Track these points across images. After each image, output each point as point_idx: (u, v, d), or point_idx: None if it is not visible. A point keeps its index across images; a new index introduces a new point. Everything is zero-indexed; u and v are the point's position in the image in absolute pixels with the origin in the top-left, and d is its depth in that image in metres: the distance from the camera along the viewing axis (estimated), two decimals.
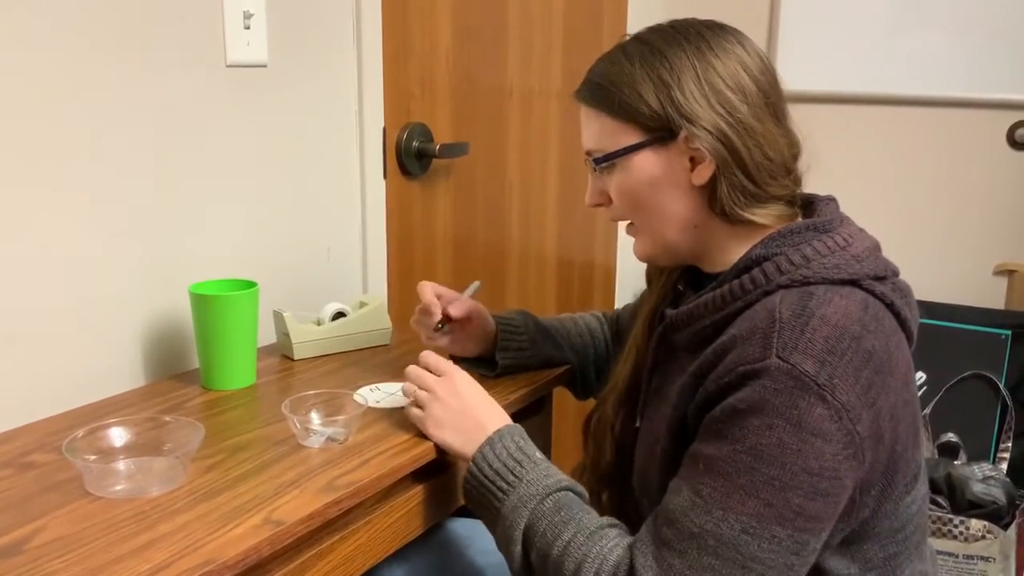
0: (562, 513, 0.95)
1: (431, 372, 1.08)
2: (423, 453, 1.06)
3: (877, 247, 0.98)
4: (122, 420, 1.02)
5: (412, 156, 1.70)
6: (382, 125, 1.63)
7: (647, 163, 0.98)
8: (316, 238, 1.56)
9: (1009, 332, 2.26)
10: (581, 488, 1.00)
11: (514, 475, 0.98)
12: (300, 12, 1.45)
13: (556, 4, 2.11)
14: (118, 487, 0.94)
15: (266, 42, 1.39)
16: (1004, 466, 2.19)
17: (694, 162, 0.96)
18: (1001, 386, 2.24)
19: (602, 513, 1.14)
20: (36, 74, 1.10)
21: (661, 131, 0.96)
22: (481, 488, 1.00)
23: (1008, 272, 2.41)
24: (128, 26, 1.20)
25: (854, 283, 0.91)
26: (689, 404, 0.94)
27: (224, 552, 0.82)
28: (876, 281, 0.92)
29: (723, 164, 0.94)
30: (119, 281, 1.23)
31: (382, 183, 1.66)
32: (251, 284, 1.25)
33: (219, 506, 0.90)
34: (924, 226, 2.44)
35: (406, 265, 1.75)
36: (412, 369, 1.10)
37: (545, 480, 0.98)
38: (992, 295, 2.41)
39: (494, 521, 0.99)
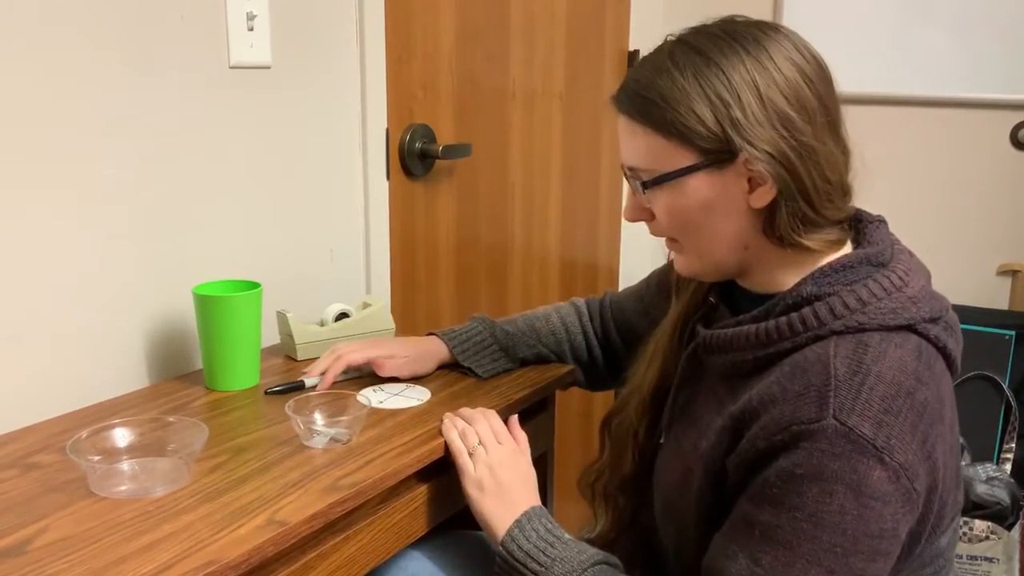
0: None
1: (494, 432, 1.08)
2: (426, 454, 1.06)
3: (929, 278, 0.94)
4: (126, 421, 1.02)
5: (415, 157, 1.70)
6: (385, 126, 1.63)
7: (702, 186, 0.91)
8: (319, 239, 1.56)
9: (1013, 333, 2.26)
10: (615, 559, 0.99)
11: (546, 555, 0.97)
12: (303, 13, 1.45)
13: (558, 6, 2.11)
14: (122, 487, 0.94)
15: (269, 43, 1.39)
16: (1008, 467, 2.18)
17: (752, 184, 0.90)
18: (1005, 387, 2.23)
19: (618, 518, 1.13)
20: (38, 76, 1.10)
21: (718, 153, 0.89)
22: (513, 570, 0.99)
23: (1012, 272, 2.41)
24: (131, 28, 1.20)
25: (909, 328, 0.87)
26: (730, 452, 0.90)
27: (228, 552, 0.82)
28: (930, 324, 0.89)
29: (784, 189, 0.88)
30: (122, 282, 1.23)
31: (385, 184, 1.66)
32: (254, 285, 1.25)
33: (223, 506, 0.90)
34: (927, 226, 2.44)
35: (409, 266, 1.75)
36: (480, 422, 1.09)
37: (579, 557, 0.97)
38: (995, 295, 2.41)
39: None
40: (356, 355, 1.23)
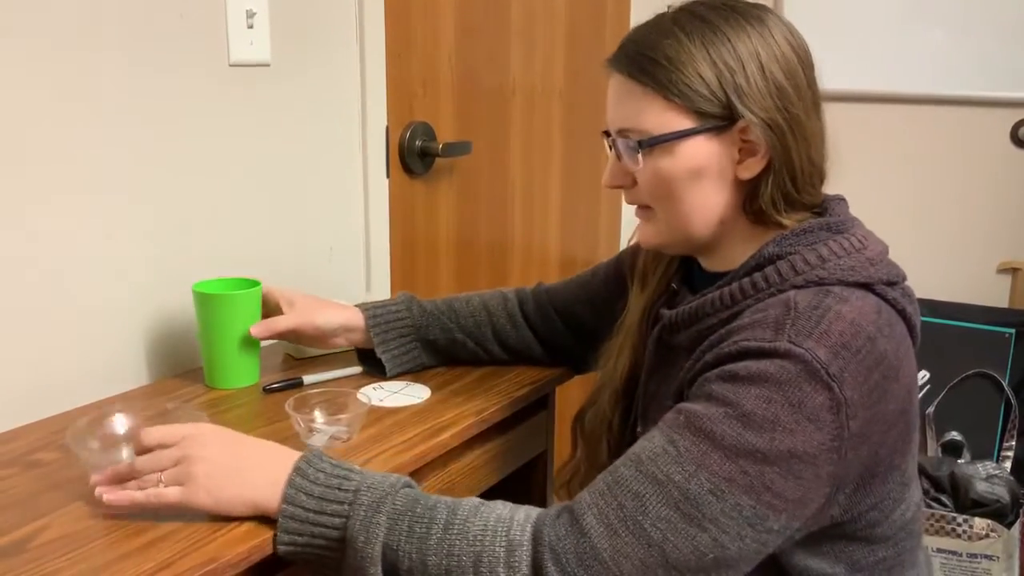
0: (420, 502, 0.84)
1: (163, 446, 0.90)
2: (426, 451, 1.06)
3: (887, 251, 0.95)
4: (126, 407, 1.02)
5: (415, 155, 1.70)
6: (385, 124, 1.63)
7: (697, 150, 0.91)
8: (319, 237, 1.56)
9: (1013, 330, 2.26)
10: (415, 484, 0.90)
11: (344, 490, 0.85)
12: (303, 11, 1.45)
13: (558, 3, 2.11)
14: None
15: (269, 41, 1.39)
16: (1008, 464, 2.19)
17: (743, 154, 0.92)
18: (1005, 384, 2.23)
19: None
20: (38, 75, 1.10)
21: (718, 118, 0.90)
22: (308, 525, 0.84)
23: (1012, 270, 2.41)
24: (130, 26, 1.20)
25: (867, 287, 0.89)
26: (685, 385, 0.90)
27: (228, 550, 0.82)
28: (888, 287, 0.90)
29: (776, 160, 0.91)
30: (123, 280, 1.24)
31: (385, 182, 1.66)
32: (254, 283, 1.25)
33: None
34: (927, 224, 2.44)
35: (409, 264, 1.75)
36: (141, 461, 0.88)
37: (386, 479, 0.86)
38: (996, 293, 2.41)
39: (338, 555, 0.84)
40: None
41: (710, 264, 1.00)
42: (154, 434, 0.90)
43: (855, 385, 0.81)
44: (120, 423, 0.98)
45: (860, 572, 0.93)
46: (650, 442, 0.84)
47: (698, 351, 0.91)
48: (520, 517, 0.83)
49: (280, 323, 1.22)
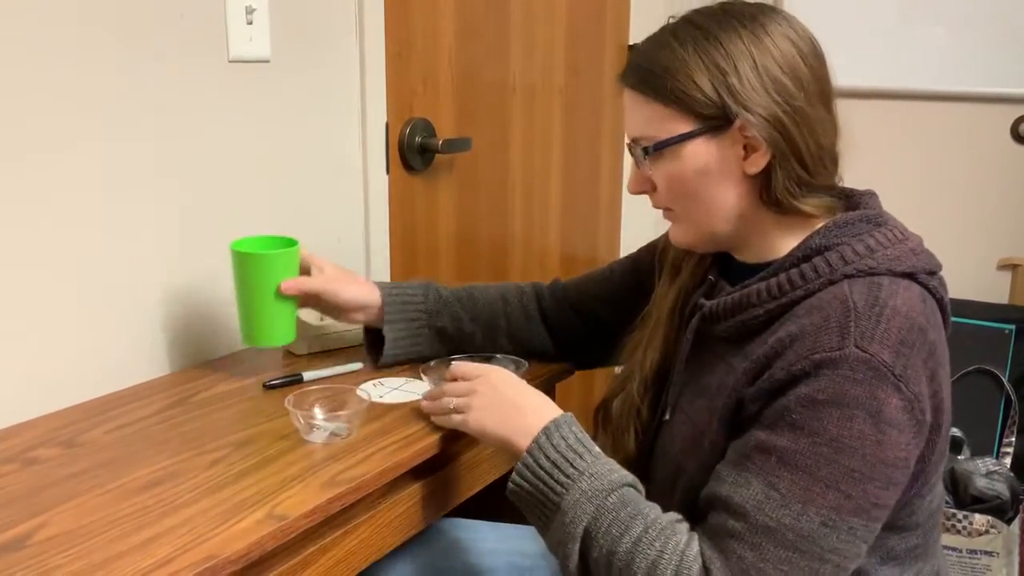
0: (628, 508, 0.90)
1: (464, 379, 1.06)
2: (426, 448, 1.06)
3: (923, 241, 0.98)
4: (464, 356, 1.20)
5: (415, 151, 1.69)
6: (385, 120, 1.63)
7: (700, 151, 0.95)
8: (319, 234, 1.55)
9: (1013, 327, 2.26)
10: (640, 484, 0.96)
11: (574, 467, 0.93)
12: (302, 7, 1.45)
13: (558, 2, 2.11)
14: None
15: (268, 37, 1.39)
16: (1008, 461, 2.19)
17: (747, 150, 0.94)
18: (1005, 381, 2.23)
19: None
20: (40, 70, 1.10)
21: (716, 119, 0.94)
22: (536, 480, 0.94)
23: (1012, 267, 2.41)
24: (129, 22, 1.19)
25: (911, 276, 0.92)
26: (745, 390, 0.92)
27: (227, 547, 0.82)
28: (928, 276, 0.94)
29: (779, 153, 0.93)
30: (125, 277, 1.23)
31: (385, 178, 1.66)
32: (292, 241, 1.24)
33: (223, 501, 0.91)
34: (927, 220, 2.42)
35: (409, 261, 1.75)
36: (447, 386, 1.07)
37: (609, 475, 0.93)
38: (996, 290, 2.41)
39: (549, 516, 0.94)
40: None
41: (745, 256, 1.02)
42: (459, 368, 1.08)
43: (917, 379, 0.86)
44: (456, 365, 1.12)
45: (892, 561, 0.96)
46: (748, 489, 0.86)
47: (758, 356, 0.91)
48: (691, 554, 0.87)
49: (308, 283, 1.22)
